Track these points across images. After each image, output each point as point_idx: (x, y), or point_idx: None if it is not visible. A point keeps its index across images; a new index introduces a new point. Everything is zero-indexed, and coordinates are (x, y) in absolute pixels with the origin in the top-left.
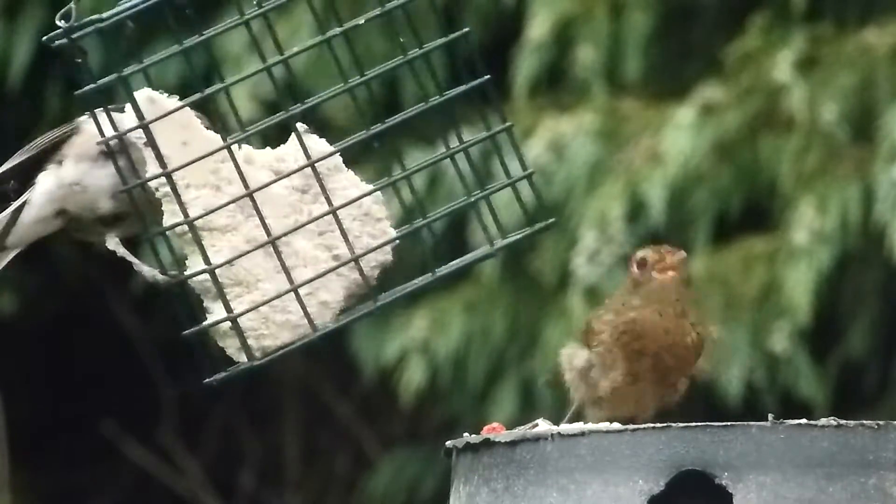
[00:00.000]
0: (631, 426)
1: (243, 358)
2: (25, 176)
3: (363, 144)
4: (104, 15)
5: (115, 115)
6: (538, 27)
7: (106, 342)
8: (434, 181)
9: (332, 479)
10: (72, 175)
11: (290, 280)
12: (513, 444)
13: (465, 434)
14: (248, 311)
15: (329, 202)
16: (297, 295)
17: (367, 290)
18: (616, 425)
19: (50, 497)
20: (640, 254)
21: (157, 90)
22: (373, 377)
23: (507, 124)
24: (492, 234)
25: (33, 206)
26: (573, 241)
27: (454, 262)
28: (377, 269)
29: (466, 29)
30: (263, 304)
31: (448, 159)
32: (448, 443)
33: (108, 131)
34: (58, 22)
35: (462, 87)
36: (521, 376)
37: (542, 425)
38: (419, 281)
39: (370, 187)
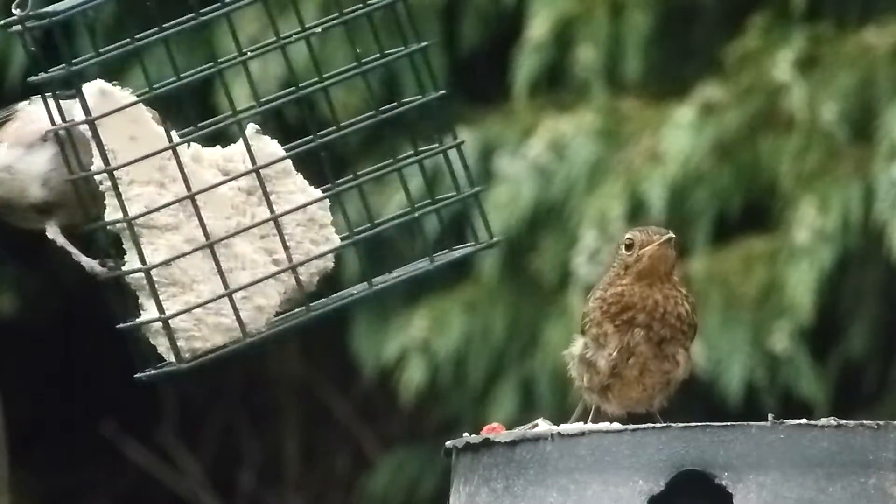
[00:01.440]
0: (631, 426)
1: (171, 357)
2: None
3: (363, 142)
4: (59, 6)
5: (66, 102)
6: (538, 27)
7: (106, 342)
8: (435, 181)
9: (331, 479)
10: (2, 159)
11: (226, 284)
12: (513, 444)
13: (465, 434)
14: (180, 312)
15: (271, 208)
16: (231, 300)
17: (303, 296)
18: (616, 425)
19: (49, 497)
20: (626, 236)
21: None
22: (373, 377)
23: (459, 140)
24: (431, 250)
25: None
26: (573, 240)
27: (393, 273)
28: (317, 276)
29: (425, 43)
30: (196, 306)
31: (395, 173)
32: (448, 443)
33: (57, 119)
34: (13, 10)
35: (417, 100)
36: (521, 376)
37: (542, 425)
38: (356, 291)
39: (318, 192)
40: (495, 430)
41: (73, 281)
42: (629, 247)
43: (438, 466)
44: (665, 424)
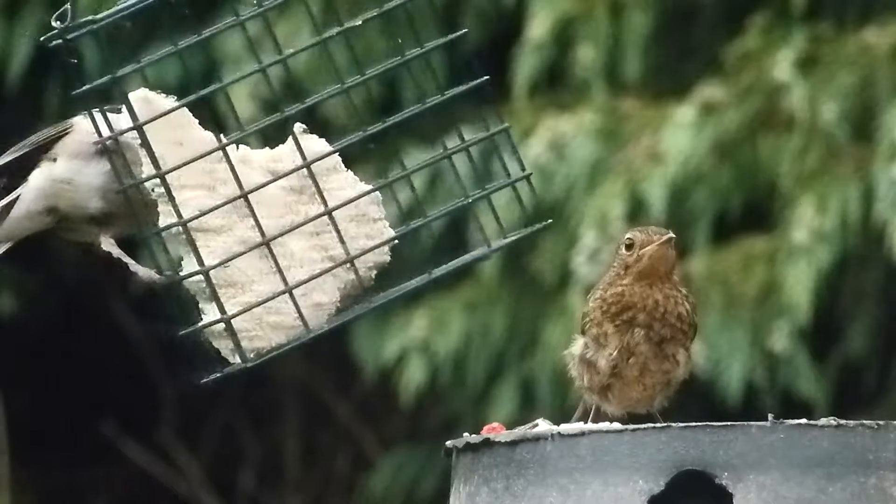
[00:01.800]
0: (631, 426)
1: (237, 359)
2: (18, 173)
3: (361, 144)
4: (99, 16)
5: (111, 115)
6: (538, 27)
7: (106, 342)
8: (434, 181)
9: (331, 479)
10: (63, 173)
11: (285, 281)
12: (513, 444)
13: (465, 434)
14: (241, 312)
15: (325, 203)
16: (292, 296)
17: (362, 290)
18: (616, 425)
19: (49, 497)
20: (627, 236)
21: (155, 90)
22: (373, 377)
23: (505, 125)
24: (489, 235)
25: (24, 201)
26: (573, 240)
27: (451, 263)
28: (373, 270)
29: (465, 30)
30: (257, 305)
31: (446, 160)
32: (448, 443)
33: (105, 131)
34: (53, 23)
35: (460, 88)
36: (521, 376)
37: (542, 425)
38: (416, 282)
39: (367, 188)
40: (495, 430)
41: (73, 281)
42: (629, 247)
43: (438, 466)
44: (665, 424)
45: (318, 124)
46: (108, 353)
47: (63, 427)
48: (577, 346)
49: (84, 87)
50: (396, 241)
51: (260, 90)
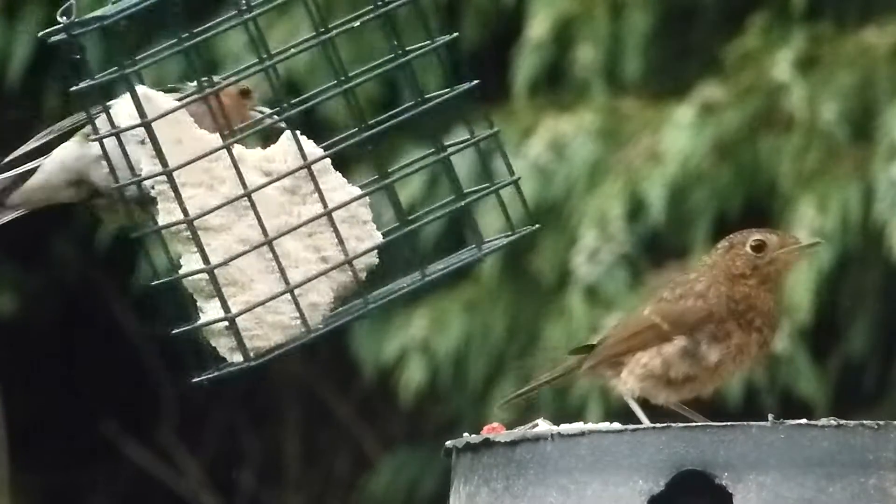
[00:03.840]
0: (631, 426)
1: (236, 357)
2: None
3: (358, 144)
4: (106, 12)
5: (100, 114)
6: (538, 27)
7: (106, 342)
8: (434, 181)
9: (332, 479)
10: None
11: (286, 281)
12: (513, 444)
13: (465, 434)
14: (244, 311)
15: (324, 204)
16: (293, 296)
17: (357, 291)
18: (616, 425)
19: (49, 497)
20: (756, 237)
21: (155, 87)
22: (373, 377)
23: (494, 130)
24: (480, 238)
25: (43, 171)
26: (573, 240)
27: (442, 264)
28: (364, 272)
29: (454, 34)
30: (259, 304)
31: (440, 162)
32: (448, 443)
33: (107, 128)
34: (59, 18)
35: (450, 92)
36: (520, 376)
37: (542, 425)
38: (409, 283)
39: (357, 189)
40: (495, 430)
41: (73, 281)
42: (759, 248)
43: (438, 466)
44: (665, 424)
45: (318, 124)
46: (108, 354)
47: (63, 427)
48: (675, 345)
49: (85, 84)
50: (386, 244)
51: (259, 90)
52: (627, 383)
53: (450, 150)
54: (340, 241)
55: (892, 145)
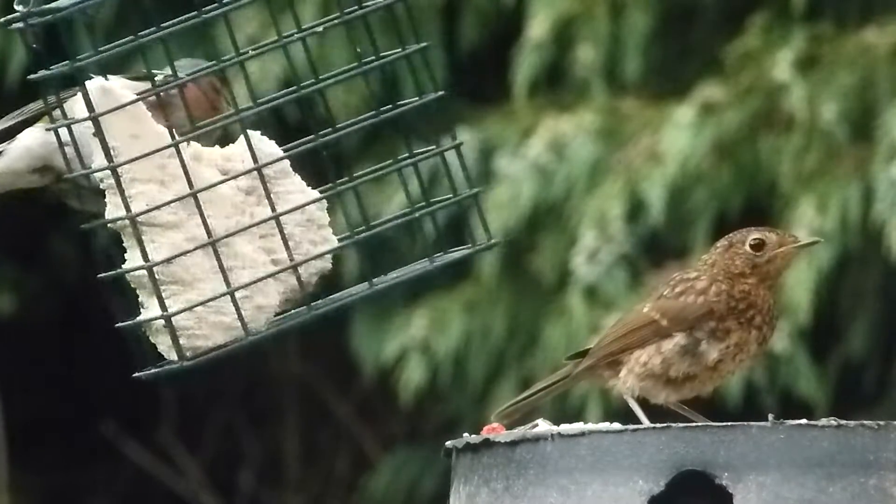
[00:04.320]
0: (631, 426)
1: (172, 356)
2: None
3: (362, 142)
4: (61, 3)
5: (67, 101)
6: (538, 27)
7: (105, 342)
8: (434, 181)
9: (332, 479)
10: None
11: (228, 282)
12: (513, 444)
13: (465, 434)
14: (182, 310)
15: (272, 207)
16: (233, 298)
17: (304, 296)
18: (616, 425)
19: (49, 497)
20: (755, 236)
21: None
22: (372, 377)
23: (458, 142)
24: (431, 251)
25: (7, 156)
26: (573, 240)
27: (393, 273)
28: (315, 276)
29: (424, 44)
30: (199, 304)
31: (406, 168)
32: (448, 443)
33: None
34: (16, 6)
35: (416, 101)
36: (520, 376)
37: (542, 425)
38: (357, 291)
39: (316, 193)
40: (495, 431)
41: (73, 281)
42: (758, 247)
43: (438, 466)
44: (665, 425)
45: (318, 124)
46: (108, 354)
47: (63, 427)
48: (674, 341)
49: (40, 74)
50: (341, 250)
51: (260, 90)
52: (627, 382)
53: (412, 160)
54: (286, 245)
55: (892, 145)
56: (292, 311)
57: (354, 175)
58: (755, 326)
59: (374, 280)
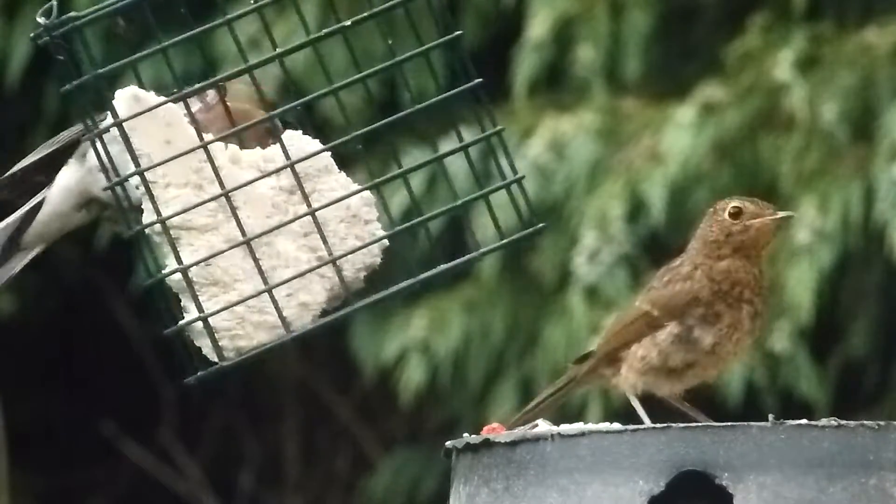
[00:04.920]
0: (631, 426)
1: (215, 358)
2: (52, 169)
3: (363, 144)
4: (83, 13)
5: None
6: (538, 27)
7: (106, 342)
8: (433, 180)
9: (331, 480)
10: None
11: (265, 280)
12: (513, 444)
13: (465, 434)
14: (219, 311)
15: (308, 203)
16: (272, 295)
17: (346, 292)
18: (616, 425)
19: (49, 497)
20: (734, 204)
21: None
22: (372, 377)
23: (499, 128)
24: (480, 239)
25: (50, 202)
26: (573, 240)
27: (443, 266)
28: (363, 272)
29: (459, 32)
30: (236, 304)
31: (440, 162)
32: (448, 443)
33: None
34: (38, 19)
35: (453, 90)
36: (520, 376)
37: (542, 425)
38: (404, 284)
39: (359, 188)
40: (495, 431)
41: (73, 281)
42: (736, 215)
43: (438, 467)
44: (665, 425)
45: (317, 124)
46: (108, 354)
47: (63, 428)
48: (667, 331)
49: (69, 85)
50: (387, 244)
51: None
52: (629, 379)
53: (456, 148)
54: (324, 240)
55: (892, 145)
56: (340, 308)
57: (404, 168)
58: (745, 301)
59: (420, 274)
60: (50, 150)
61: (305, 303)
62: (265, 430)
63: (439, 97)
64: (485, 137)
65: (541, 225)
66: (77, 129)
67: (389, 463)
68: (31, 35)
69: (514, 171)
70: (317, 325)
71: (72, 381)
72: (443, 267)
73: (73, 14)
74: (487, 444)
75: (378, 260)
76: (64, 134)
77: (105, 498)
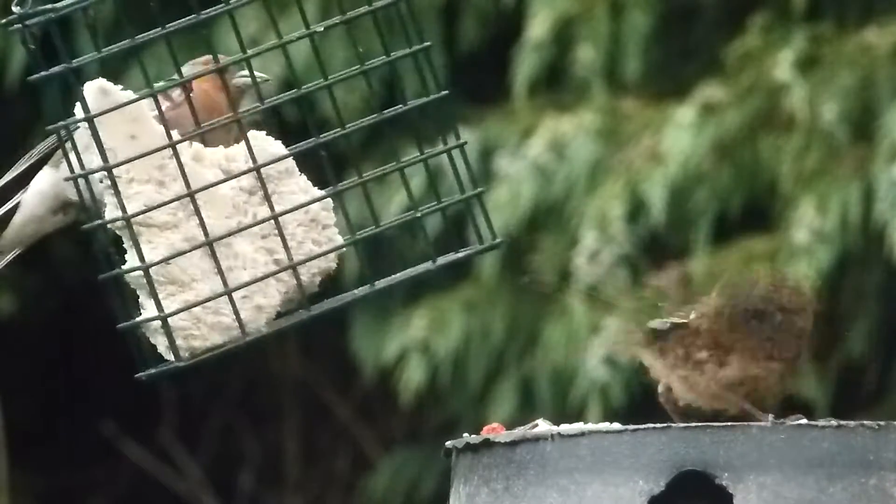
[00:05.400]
0: (631, 426)
1: (169, 357)
2: (29, 181)
3: (364, 142)
4: (58, 4)
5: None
6: (538, 27)
7: (105, 342)
8: (435, 180)
9: (331, 480)
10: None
11: (225, 282)
12: (513, 444)
13: (465, 434)
14: (178, 311)
15: (271, 206)
16: (231, 298)
17: (305, 297)
18: (616, 425)
19: (49, 497)
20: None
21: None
22: (372, 377)
23: (462, 141)
24: (433, 251)
25: (25, 206)
26: (573, 241)
27: (394, 276)
28: (318, 276)
29: (427, 43)
30: (194, 305)
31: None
32: (448, 443)
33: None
34: (13, 8)
35: (420, 100)
36: (520, 376)
37: (542, 425)
38: (358, 291)
39: (320, 193)
40: (495, 431)
41: (73, 281)
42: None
43: (438, 467)
44: (665, 425)
45: (319, 124)
46: (108, 354)
47: (63, 428)
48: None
49: (38, 75)
50: (344, 249)
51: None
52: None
53: (417, 158)
54: (285, 244)
55: (892, 145)
56: (293, 311)
57: (360, 174)
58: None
59: (376, 281)
60: (27, 164)
61: (261, 305)
62: (265, 429)
63: (405, 107)
64: (447, 150)
65: (498, 240)
66: (51, 141)
67: (389, 463)
68: (2, 21)
69: (475, 185)
70: (271, 330)
71: (72, 381)
72: (398, 276)
73: (48, 5)
74: (487, 444)
75: (334, 265)
76: (38, 147)
77: (105, 498)
